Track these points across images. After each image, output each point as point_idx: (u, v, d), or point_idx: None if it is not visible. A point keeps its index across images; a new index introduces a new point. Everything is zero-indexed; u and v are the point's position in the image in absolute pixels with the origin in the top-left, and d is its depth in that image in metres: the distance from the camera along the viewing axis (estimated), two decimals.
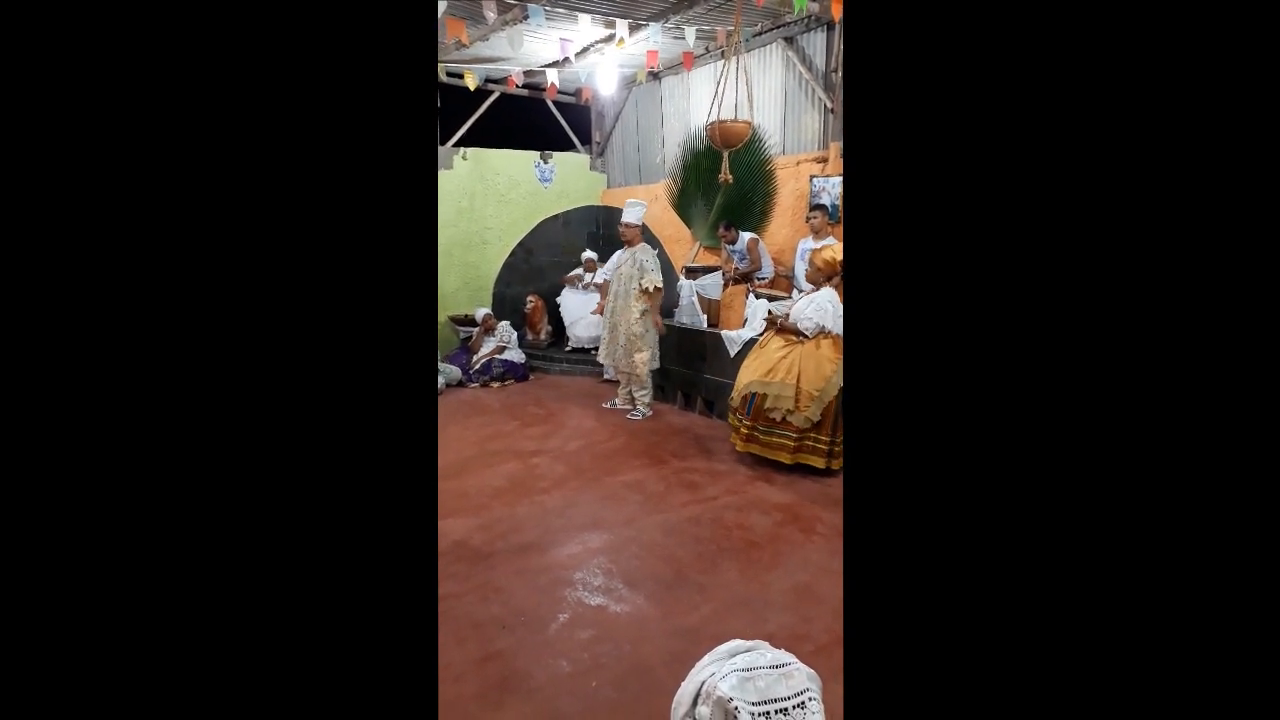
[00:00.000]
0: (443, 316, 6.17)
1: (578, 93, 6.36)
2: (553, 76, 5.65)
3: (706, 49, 5.44)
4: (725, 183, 3.86)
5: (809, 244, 4.24)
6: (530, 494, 3.14)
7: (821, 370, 3.21)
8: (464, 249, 6.40)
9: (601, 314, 4.72)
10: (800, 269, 4.16)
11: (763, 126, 5.19)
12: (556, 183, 6.90)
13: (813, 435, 3.24)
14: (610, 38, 4.77)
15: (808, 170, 4.92)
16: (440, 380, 5.16)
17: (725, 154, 3.81)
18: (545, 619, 2.10)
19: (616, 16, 4.48)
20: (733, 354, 4.09)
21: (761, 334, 3.72)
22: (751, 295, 4.44)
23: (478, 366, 5.42)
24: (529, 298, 6.17)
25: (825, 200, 4.64)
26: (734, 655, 1.16)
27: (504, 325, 5.63)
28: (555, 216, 6.47)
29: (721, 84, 3.86)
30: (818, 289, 3.47)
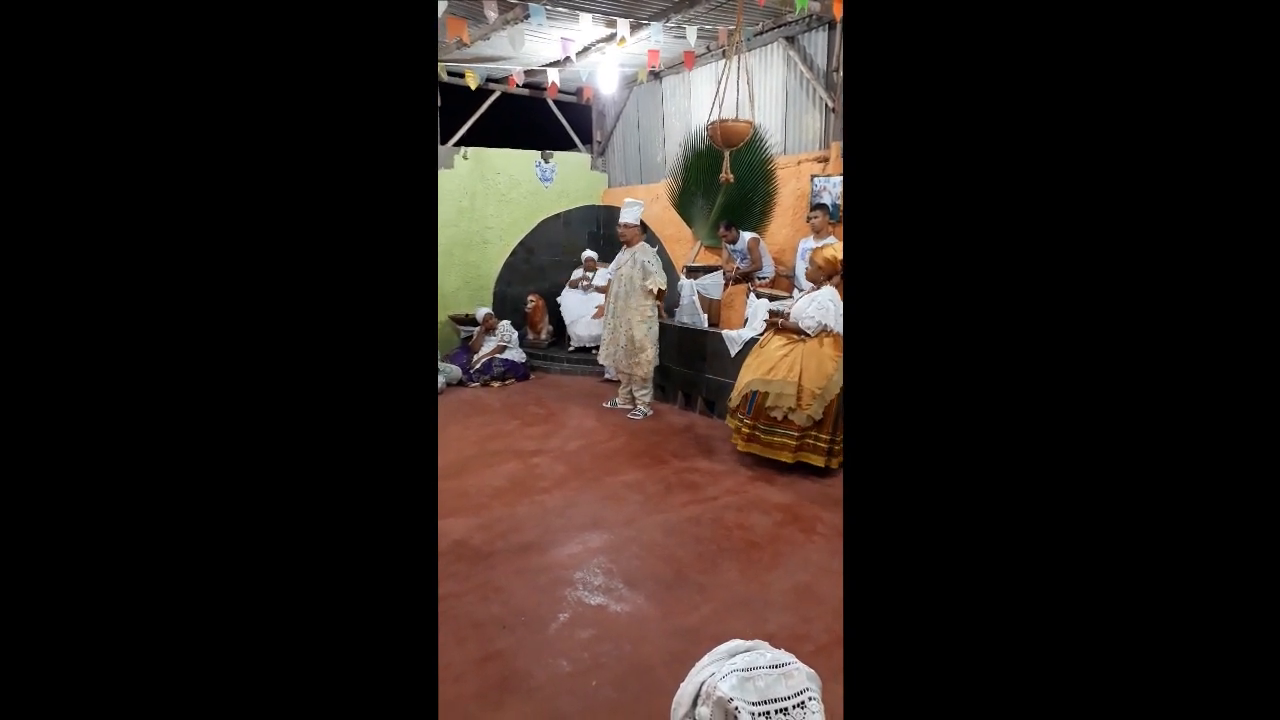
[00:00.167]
0: (443, 316, 6.17)
1: (579, 92, 6.37)
2: (554, 76, 5.65)
3: (708, 48, 5.44)
4: (726, 182, 3.85)
5: (810, 243, 4.24)
6: (530, 494, 3.14)
7: (823, 368, 3.20)
8: (465, 248, 6.40)
9: (602, 317, 4.72)
10: (801, 268, 4.15)
11: (764, 126, 5.19)
12: (557, 182, 6.90)
13: (813, 433, 3.23)
14: (611, 37, 4.77)
15: (809, 170, 4.92)
16: (441, 379, 5.16)
17: (726, 153, 3.81)
18: (545, 619, 2.10)
19: (618, 15, 4.48)
20: (733, 353, 4.08)
21: (762, 333, 3.72)
22: (752, 295, 4.44)
23: (478, 366, 5.42)
24: (530, 297, 6.17)
25: (826, 200, 4.63)
26: (733, 655, 1.16)
27: (505, 325, 5.63)
28: (556, 216, 6.47)
29: (723, 83, 3.86)
30: (818, 288, 3.47)
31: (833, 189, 4.66)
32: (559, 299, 6.10)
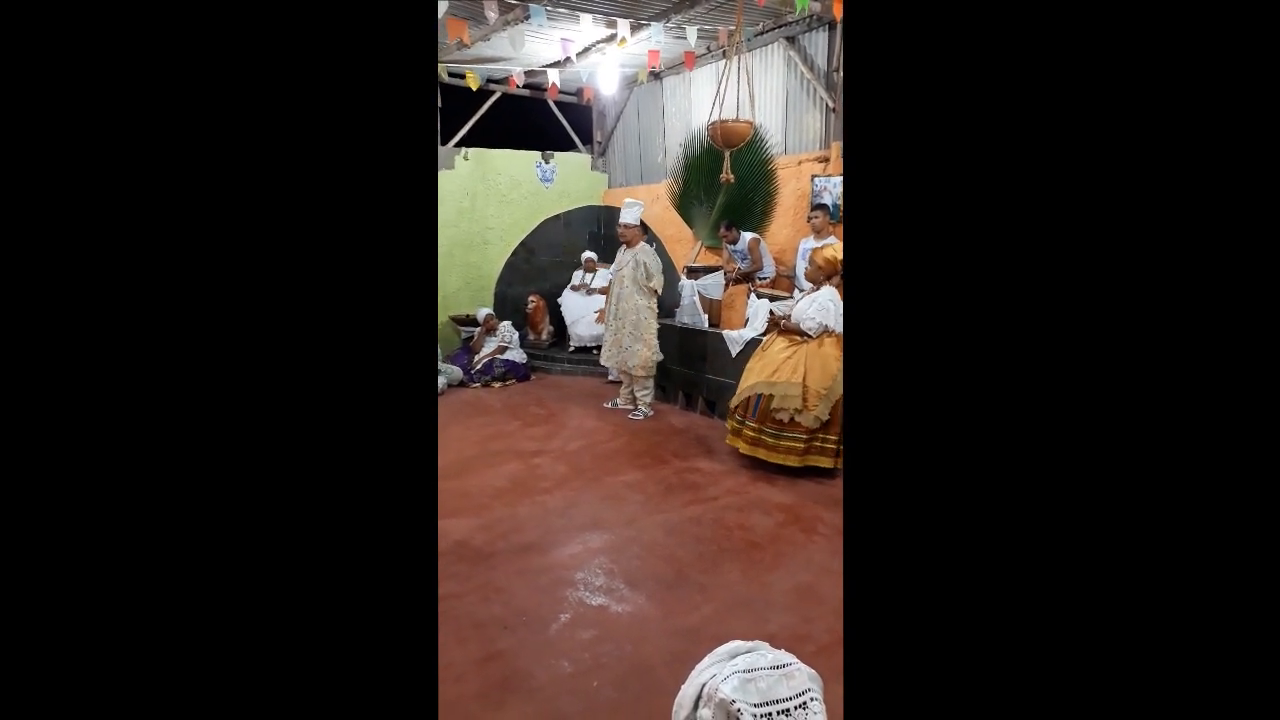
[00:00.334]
0: (444, 316, 6.17)
1: (579, 92, 6.37)
2: (554, 76, 5.65)
3: (708, 48, 5.44)
4: (727, 182, 3.85)
5: (811, 243, 4.24)
6: (531, 494, 3.14)
7: (828, 369, 3.20)
8: (466, 249, 6.40)
9: (603, 320, 4.72)
10: (802, 269, 4.15)
11: (764, 126, 5.19)
12: (558, 183, 6.90)
13: (821, 435, 3.22)
14: (612, 37, 4.77)
15: (809, 170, 4.92)
16: (442, 380, 5.16)
17: (727, 154, 3.81)
18: (546, 619, 2.10)
19: (618, 16, 4.48)
20: (734, 354, 4.08)
21: (763, 334, 3.71)
22: (753, 295, 4.44)
23: (479, 366, 5.42)
24: (531, 298, 6.17)
25: (827, 200, 4.63)
26: (734, 656, 1.15)
27: (505, 325, 5.63)
28: (557, 216, 6.48)
29: (723, 83, 3.86)
30: (818, 288, 3.47)
31: (833, 189, 4.66)
32: (560, 299, 6.10)
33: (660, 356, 4.41)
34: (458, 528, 2.75)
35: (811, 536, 2.66)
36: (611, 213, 6.02)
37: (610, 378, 5.20)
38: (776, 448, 3.29)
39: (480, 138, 6.50)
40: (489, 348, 5.54)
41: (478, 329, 5.67)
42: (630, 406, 4.51)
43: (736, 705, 1.05)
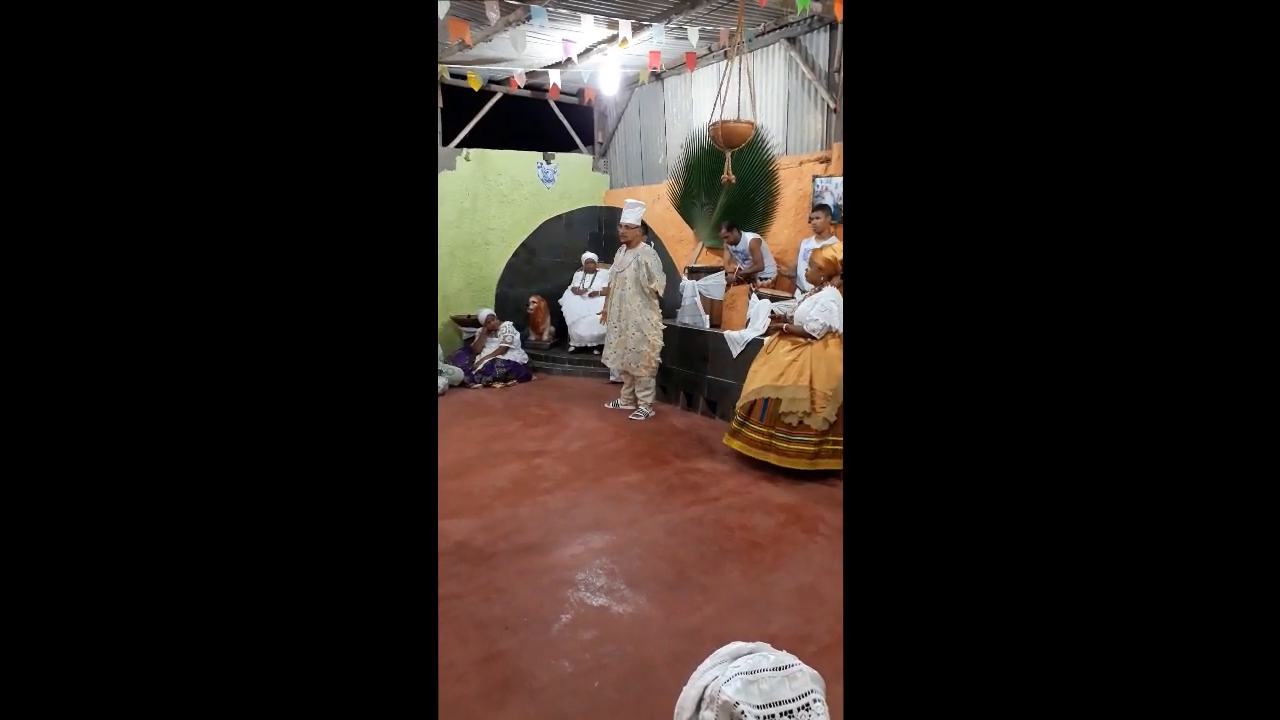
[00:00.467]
0: (445, 317, 6.18)
1: (580, 93, 6.37)
2: (555, 77, 5.65)
3: (709, 49, 5.44)
4: (728, 183, 3.85)
5: (812, 244, 4.23)
6: (533, 494, 3.14)
7: (833, 370, 3.19)
8: (467, 250, 6.40)
9: (605, 321, 4.71)
10: (803, 269, 4.15)
11: (765, 127, 5.19)
12: (559, 183, 6.90)
13: (832, 439, 3.21)
14: (613, 38, 4.77)
15: (810, 170, 4.92)
16: (443, 381, 5.16)
17: (728, 154, 3.81)
18: (548, 619, 2.10)
19: (619, 17, 4.48)
20: (735, 354, 4.08)
21: (765, 335, 3.71)
22: (754, 296, 4.43)
23: (480, 367, 5.43)
24: (532, 298, 6.17)
25: (828, 200, 4.63)
26: (736, 658, 1.15)
27: (507, 326, 5.63)
28: (558, 217, 6.48)
29: (724, 84, 3.86)
30: (819, 288, 3.46)
31: (835, 189, 4.66)
32: (561, 300, 6.10)
33: (661, 352, 4.41)
34: (459, 528, 2.75)
35: (813, 537, 2.66)
36: (613, 213, 6.02)
37: (611, 378, 5.20)
38: (787, 452, 3.26)
39: (482, 138, 6.51)
40: (490, 348, 5.54)
41: (479, 330, 5.67)
42: (631, 407, 4.51)
43: (739, 707, 1.04)
